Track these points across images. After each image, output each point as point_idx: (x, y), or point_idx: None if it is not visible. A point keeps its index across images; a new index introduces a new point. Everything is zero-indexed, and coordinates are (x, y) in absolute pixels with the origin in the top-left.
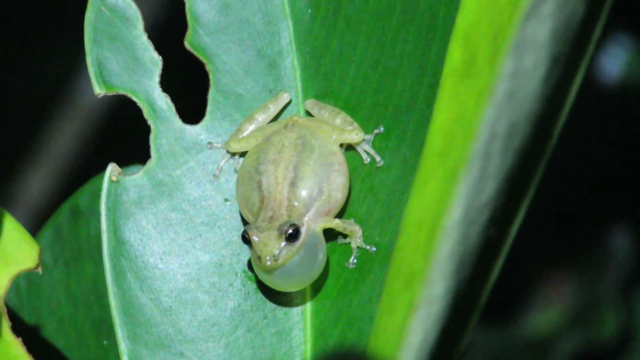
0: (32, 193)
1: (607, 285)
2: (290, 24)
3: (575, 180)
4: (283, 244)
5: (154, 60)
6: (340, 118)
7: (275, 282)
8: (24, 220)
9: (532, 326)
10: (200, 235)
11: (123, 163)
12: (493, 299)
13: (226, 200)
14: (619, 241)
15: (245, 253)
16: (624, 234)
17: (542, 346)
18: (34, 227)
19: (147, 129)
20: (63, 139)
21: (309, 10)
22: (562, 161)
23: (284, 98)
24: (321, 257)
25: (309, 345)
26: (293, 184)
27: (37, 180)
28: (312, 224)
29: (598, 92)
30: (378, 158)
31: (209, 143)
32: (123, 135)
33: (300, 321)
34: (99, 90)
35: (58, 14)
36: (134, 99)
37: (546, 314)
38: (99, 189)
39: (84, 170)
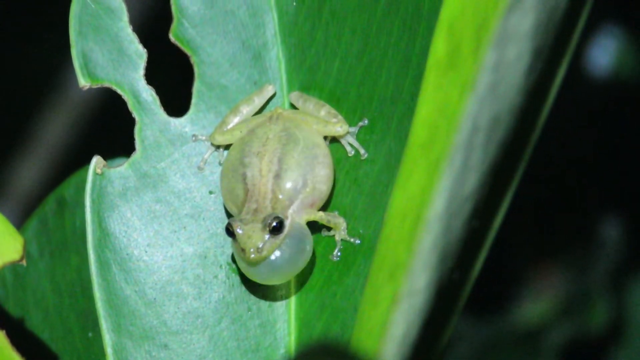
0: (21, 185)
1: (597, 275)
2: (275, 15)
3: (564, 170)
4: (267, 236)
5: (139, 53)
6: (325, 110)
7: (260, 276)
8: (12, 212)
9: (522, 317)
10: (184, 227)
11: (111, 155)
12: (482, 290)
13: (211, 192)
14: (608, 231)
15: (229, 245)
16: (613, 224)
17: (532, 337)
18: (23, 219)
19: (132, 121)
20: (52, 130)
21: (294, 3)
22: (551, 151)
23: (269, 90)
24: (307, 250)
25: (293, 337)
26: (277, 176)
27: (26, 172)
28: (297, 217)
29: (587, 82)
30: (362, 150)
31: (194, 135)
32: (112, 127)
33: (285, 313)
34: (84, 82)
35: (46, 5)
36: (119, 91)
37: (536, 305)
38: (85, 181)
39: (73, 162)
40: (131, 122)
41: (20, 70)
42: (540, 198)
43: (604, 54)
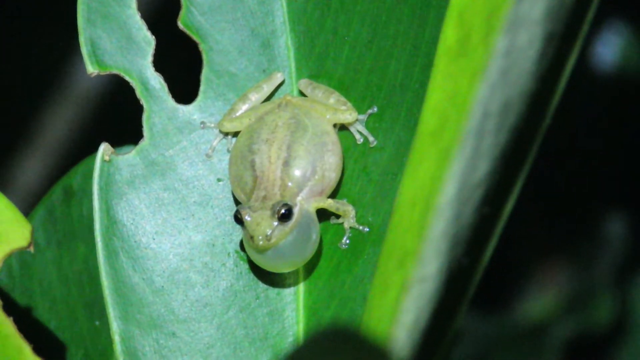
0: (26, 176)
1: (601, 271)
2: (284, 3)
3: (570, 165)
4: (276, 223)
5: (147, 40)
6: (334, 98)
7: (268, 263)
8: (18, 202)
9: (526, 312)
10: (192, 215)
11: (116, 144)
12: (487, 286)
13: (219, 180)
14: (613, 227)
15: (237, 233)
16: (618, 220)
17: (536, 332)
18: (28, 210)
19: (140, 110)
20: (57, 121)
21: None
22: (557, 147)
23: (278, 78)
24: (314, 238)
25: (301, 326)
26: (286, 164)
27: (32, 163)
28: (305, 204)
29: (593, 78)
30: (371, 138)
31: (202, 123)
32: (117, 118)
33: (293, 301)
34: (92, 69)
35: None
36: (127, 78)
37: (540, 300)
38: (92, 169)
39: (78, 152)
40: (139, 109)
41: (24, 60)
42: (545, 194)
43: (609, 49)
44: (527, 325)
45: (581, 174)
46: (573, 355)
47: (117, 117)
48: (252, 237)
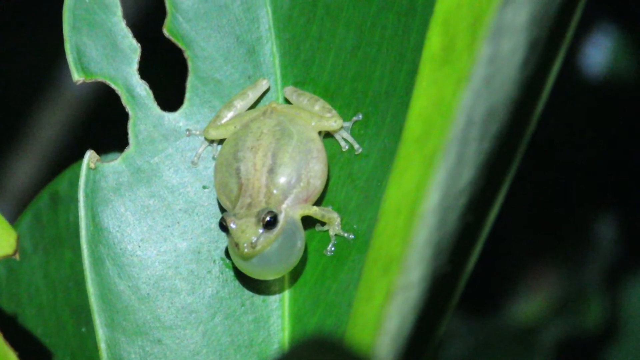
0: (14, 181)
1: (591, 273)
2: (270, 10)
3: (559, 168)
4: (261, 231)
5: (132, 47)
6: (319, 105)
7: (253, 270)
8: (6, 208)
9: (517, 315)
10: (178, 222)
11: (105, 150)
12: (477, 288)
13: (204, 187)
14: (603, 229)
15: (223, 240)
16: (608, 222)
17: (526, 335)
18: (17, 215)
19: (126, 116)
20: (45, 126)
21: None
22: (546, 149)
23: (263, 85)
24: (299, 245)
25: (287, 332)
26: (271, 171)
27: (20, 168)
28: (290, 211)
29: (582, 80)
30: (356, 145)
31: (188, 130)
32: (105, 123)
33: (279, 308)
34: (77, 77)
35: (39, 1)
36: (113, 85)
37: (530, 303)
38: (78, 176)
39: (67, 157)
40: (125, 116)
41: (12, 66)
42: (535, 196)
43: (599, 52)
44: (517, 327)
45: (570, 176)
46: (563, 358)
47: (104, 122)
48: (237, 245)
